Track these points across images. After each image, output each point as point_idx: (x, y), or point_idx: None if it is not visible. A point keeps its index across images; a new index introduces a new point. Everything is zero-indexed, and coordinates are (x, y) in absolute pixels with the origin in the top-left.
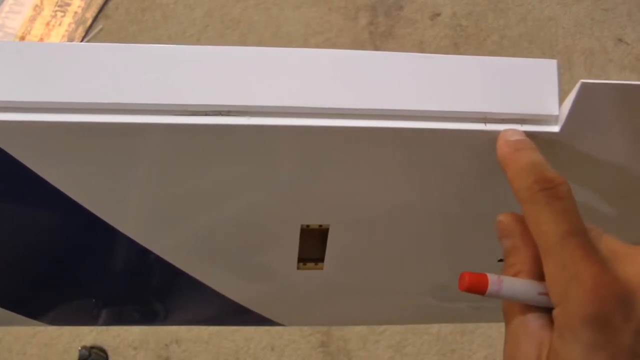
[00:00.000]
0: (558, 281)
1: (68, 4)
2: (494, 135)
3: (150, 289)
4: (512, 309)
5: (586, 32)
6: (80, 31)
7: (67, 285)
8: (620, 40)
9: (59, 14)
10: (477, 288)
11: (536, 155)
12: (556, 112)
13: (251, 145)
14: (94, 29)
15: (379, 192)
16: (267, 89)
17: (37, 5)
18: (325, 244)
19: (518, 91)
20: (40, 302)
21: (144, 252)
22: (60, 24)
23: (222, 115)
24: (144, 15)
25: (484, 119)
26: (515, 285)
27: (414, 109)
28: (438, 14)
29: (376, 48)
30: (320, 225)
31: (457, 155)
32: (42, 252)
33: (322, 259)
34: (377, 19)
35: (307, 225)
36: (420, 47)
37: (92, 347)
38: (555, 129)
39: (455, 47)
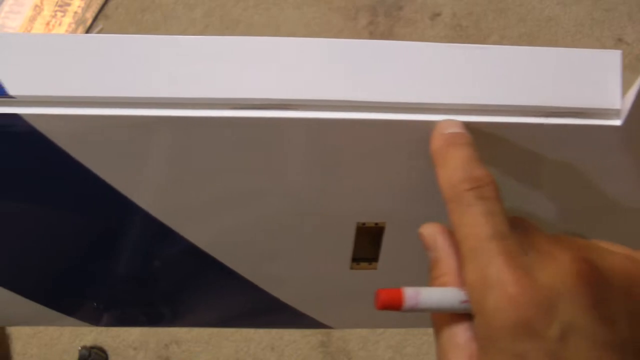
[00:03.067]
0: (477, 289)
1: (68, 4)
2: (553, 128)
3: (200, 288)
4: (440, 320)
5: (586, 32)
6: (80, 31)
7: (111, 283)
8: (620, 40)
9: (59, 14)
10: (393, 304)
11: (468, 151)
12: (618, 106)
13: (308, 139)
14: (94, 29)
15: (436, 188)
16: (324, 81)
17: (37, 5)
18: (380, 243)
19: (579, 83)
20: (81, 300)
21: (193, 249)
22: (60, 24)
23: (280, 109)
24: (144, 15)
25: (544, 112)
26: (435, 295)
27: (472, 103)
28: (438, 14)
29: None
30: (377, 223)
31: (515, 149)
32: (87, 248)
33: (376, 259)
34: (377, 19)
35: (363, 223)
36: None
37: (92, 347)
38: (617, 122)
39: None
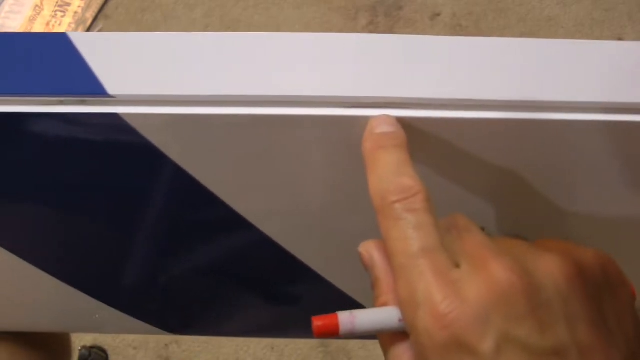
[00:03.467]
0: (408, 307)
1: (68, 4)
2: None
3: (299, 299)
4: (384, 340)
5: (586, 32)
6: (80, 31)
7: (212, 292)
8: (620, 40)
9: (59, 14)
10: (330, 330)
11: (398, 155)
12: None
13: (411, 138)
14: (94, 28)
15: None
16: (431, 81)
17: (37, 5)
18: None
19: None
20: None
21: (295, 262)
22: (60, 24)
23: (388, 107)
24: (144, 15)
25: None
26: (371, 317)
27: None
28: (438, 14)
29: None
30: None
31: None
32: (169, 248)
33: None
34: (377, 19)
35: None
36: None
37: (92, 347)
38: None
39: None
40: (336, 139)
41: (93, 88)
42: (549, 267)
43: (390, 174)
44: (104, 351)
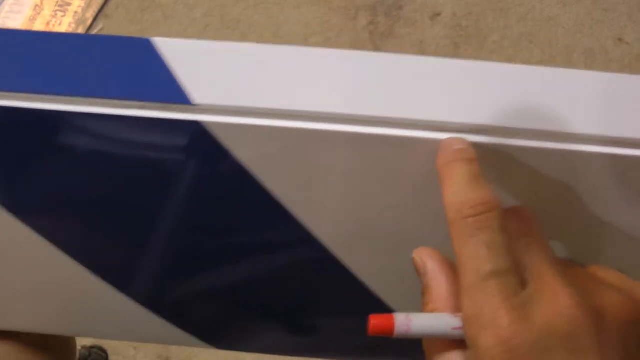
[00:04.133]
0: (472, 325)
1: (68, 4)
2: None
3: (347, 317)
4: (432, 346)
5: (586, 32)
6: (81, 31)
7: (264, 306)
8: (620, 40)
9: (59, 13)
10: (384, 330)
11: (472, 168)
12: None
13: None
14: (94, 28)
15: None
16: (497, 108)
17: (37, 5)
18: None
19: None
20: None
21: (348, 275)
22: (60, 24)
23: (462, 132)
24: (144, 15)
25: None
26: (427, 321)
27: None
28: (438, 14)
29: (376, 48)
30: None
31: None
32: (235, 262)
33: None
34: (377, 19)
35: None
36: (420, 47)
37: (92, 347)
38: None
39: (455, 47)
40: (409, 159)
41: (176, 96)
42: (612, 305)
43: (466, 187)
44: (104, 351)
